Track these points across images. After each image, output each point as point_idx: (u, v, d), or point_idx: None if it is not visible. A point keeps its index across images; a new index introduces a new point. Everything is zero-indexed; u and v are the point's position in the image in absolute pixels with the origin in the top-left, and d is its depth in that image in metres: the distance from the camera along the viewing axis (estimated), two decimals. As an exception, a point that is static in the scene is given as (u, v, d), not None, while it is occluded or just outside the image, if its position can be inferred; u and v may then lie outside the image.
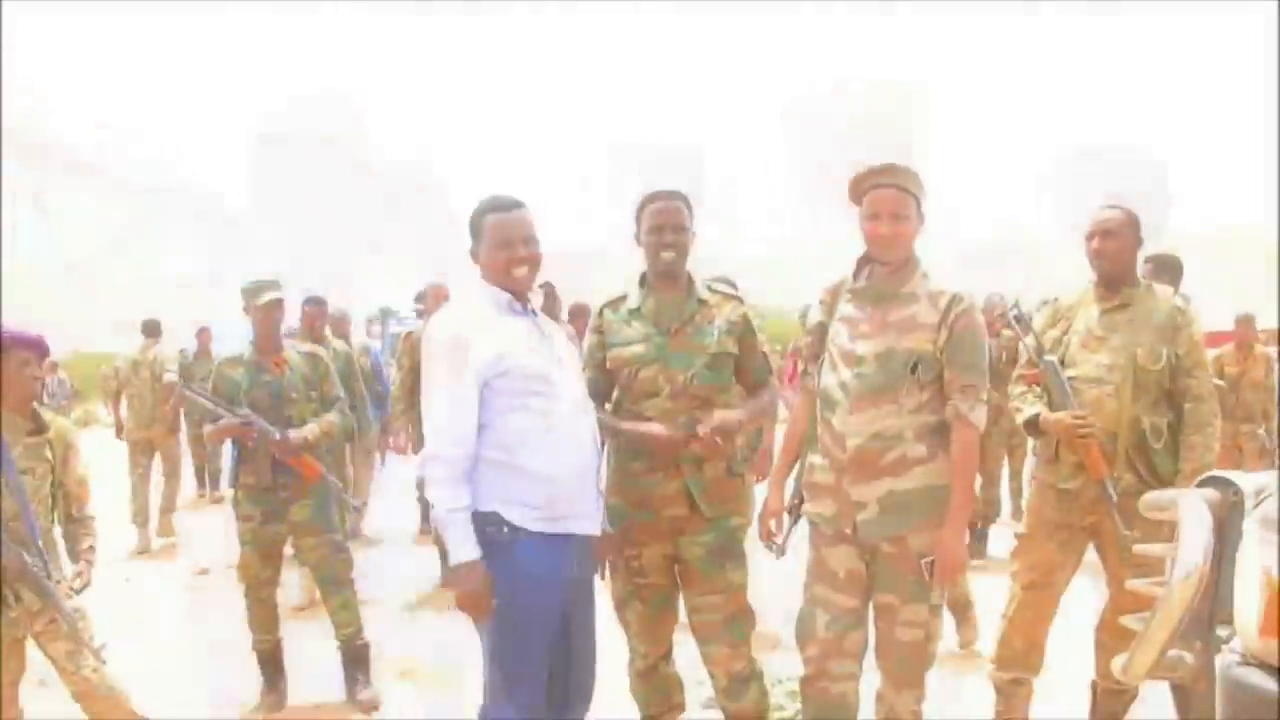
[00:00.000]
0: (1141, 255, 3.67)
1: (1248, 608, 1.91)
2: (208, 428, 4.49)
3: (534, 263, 2.96)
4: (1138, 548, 2.46)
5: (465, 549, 2.75)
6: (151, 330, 8.92)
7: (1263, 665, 1.88)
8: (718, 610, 3.23)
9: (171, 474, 8.93)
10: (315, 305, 6.84)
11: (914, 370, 2.88)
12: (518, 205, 2.98)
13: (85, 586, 3.58)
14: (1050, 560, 3.55)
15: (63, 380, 19.68)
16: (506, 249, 2.92)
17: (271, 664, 4.57)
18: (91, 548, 3.67)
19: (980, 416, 2.89)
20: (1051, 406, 3.52)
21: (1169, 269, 4.39)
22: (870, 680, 3.04)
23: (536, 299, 3.08)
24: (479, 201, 3.01)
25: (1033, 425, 3.58)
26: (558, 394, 2.87)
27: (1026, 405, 3.60)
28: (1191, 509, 2.03)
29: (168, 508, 8.92)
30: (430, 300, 5.34)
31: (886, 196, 2.92)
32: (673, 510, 3.18)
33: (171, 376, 8.45)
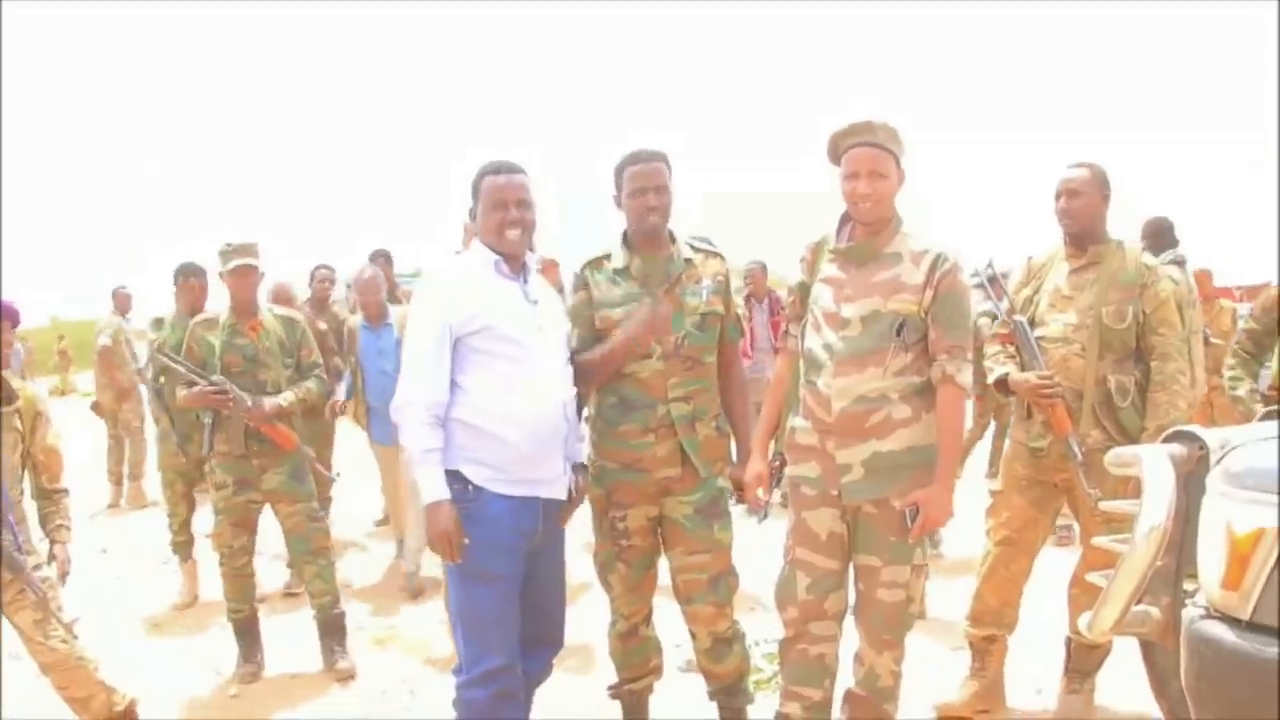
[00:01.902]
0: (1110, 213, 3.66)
1: (1211, 561, 1.93)
2: (181, 392, 4.46)
3: (526, 226, 3.01)
4: (1103, 504, 2.49)
5: (435, 489, 2.83)
6: (117, 299, 8.92)
7: (1225, 618, 1.90)
8: (704, 570, 3.25)
9: (133, 440, 8.92)
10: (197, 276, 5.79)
11: (899, 332, 2.88)
12: (515, 169, 3.03)
13: (66, 575, 3.57)
14: (1023, 516, 3.60)
15: (17, 350, 19.80)
16: (499, 211, 2.98)
17: (247, 634, 4.58)
18: (61, 526, 3.64)
19: (966, 377, 2.89)
20: (1022, 366, 3.56)
21: (1160, 233, 4.40)
22: (848, 643, 3.07)
23: (533, 262, 3.12)
24: (481, 164, 3.06)
25: (1003, 384, 3.61)
26: (530, 359, 2.91)
27: (997, 365, 3.63)
28: (1154, 465, 2.05)
29: (135, 474, 8.98)
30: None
31: (864, 155, 2.89)
32: (665, 471, 3.20)
33: (105, 341, 8.48)
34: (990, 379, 3.67)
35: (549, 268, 5.51)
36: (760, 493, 3.18)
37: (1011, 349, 3.64)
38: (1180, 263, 5.18)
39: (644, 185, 3.17)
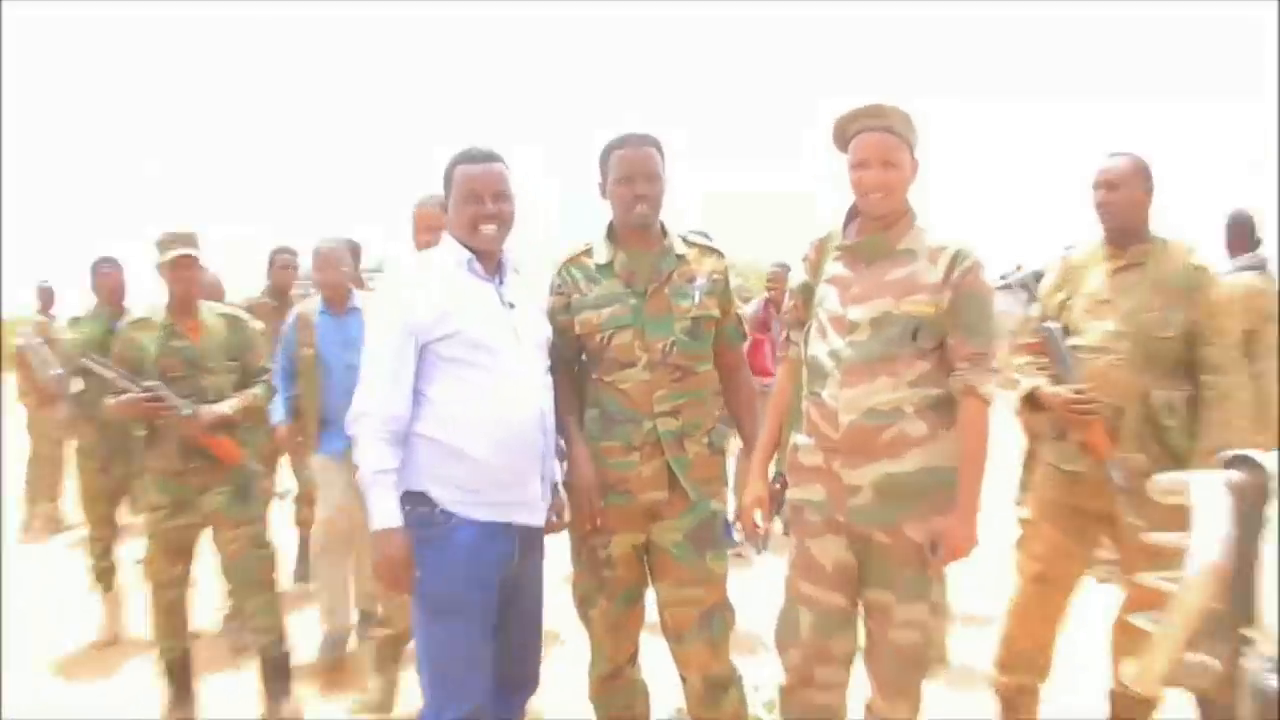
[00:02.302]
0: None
1: (1275, 606, 1.88)
2: (110, 401, 4.35)
3: (502, 220, 2.99)
4: (1145, 536, 2.43)
5: (386, 514, 2.79)
6: (40, 295, 8.71)
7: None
8: (695, 604, 3.20)
9: (50, 454, 8.54)
10: (109, 265, 5.90)
11: (914, 337, 2.84)
12: (492, 157, 3.00)
13: None
14: (1058, 549, 3.54)
15: None
16: (473, 203, 2.95)
17: (179, 676, 4.47)
18: None
19: (992, 388, 2.85)
20: (1054, 379, 3.50)
21: (1240, 230, 4.30)
22: (859, 690, 3.02)
23: (510, 261, 3.08)
24: (454, 152, 3.02)
25: (1032, 400, 3.55)
26: (504, 369, 2.88)
27: (1025, 378, 3.58)
28: (1207, 493, 1.99)
29: (51, 494, 8.61)
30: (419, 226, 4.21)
31: (874, 141, 2.87)
32: (652, 493, 3.16)
33: (19, 342, 8.16)
34: (1018, 393, 3.62)
35: None
36: (758, 518, 3.14)
37: (1043, 359, 3.59)
38: (1259, 267, 4.88)
39: (631, 172, 3.13)
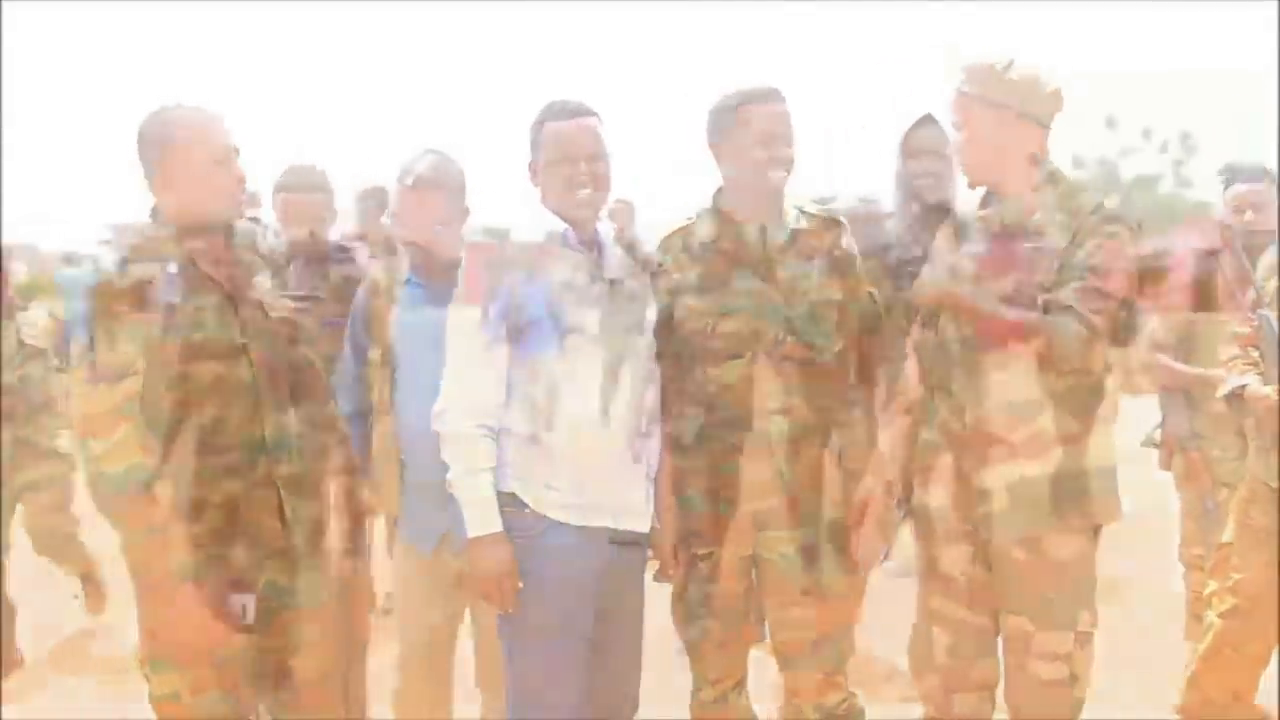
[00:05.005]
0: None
1: None
2: None
3: (599, 184, 3.07)
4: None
5: (486, 519, 2.91)
6: None
7: None
8: (808, 627, 3.22)
9: None
10: None
11: (1046, 314, 2.82)
12: (584, 111, 3.08)
13: None
14: (1263, 579, 3.48)
15: None
16: (566, 165, 3.02)
17: None
18: None
19: (1095, 318, 2.76)
20: (1267, 377, 3.44)
21: None
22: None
23: (606, 231, 3.17)
24: (542, 106, 3.12)
25: (1238, 400, 3.51)
26: (603, 353, 2.98)
27: (1232, 375, 3.53)
28: None
29: None
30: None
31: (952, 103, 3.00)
32: (759, 502, 3.20)
33: None
34: (1220, 392, 3.58)
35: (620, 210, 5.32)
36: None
37: (1255, 353, 3.54)
38: None
39: (777, 130, 3.16)
